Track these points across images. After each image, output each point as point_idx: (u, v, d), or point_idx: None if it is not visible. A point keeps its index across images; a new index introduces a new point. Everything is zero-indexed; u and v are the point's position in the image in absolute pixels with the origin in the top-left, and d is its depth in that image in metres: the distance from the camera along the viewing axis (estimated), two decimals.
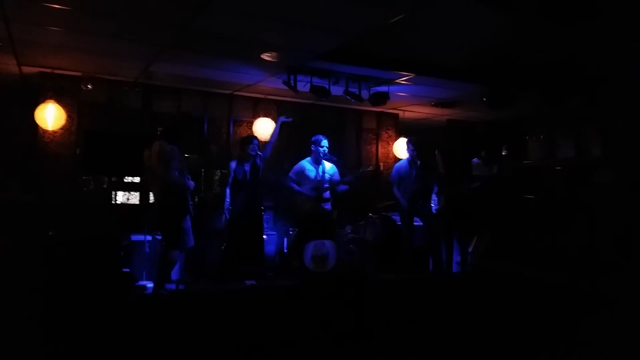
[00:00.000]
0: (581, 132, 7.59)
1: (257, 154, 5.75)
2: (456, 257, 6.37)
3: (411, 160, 6.35)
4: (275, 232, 6.49)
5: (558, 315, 4.56)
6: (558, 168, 7.89)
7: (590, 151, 7.42)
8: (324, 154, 5.96)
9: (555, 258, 6.26)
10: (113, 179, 6.51)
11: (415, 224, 6.44)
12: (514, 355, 3.95)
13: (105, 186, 6.63)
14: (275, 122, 6.87)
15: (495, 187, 6.93)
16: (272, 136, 6.01)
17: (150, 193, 6.35)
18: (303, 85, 5.97)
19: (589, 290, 4.97)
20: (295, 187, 5.95)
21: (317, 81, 6.03)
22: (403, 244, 6.34)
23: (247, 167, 5.71)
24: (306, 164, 6.04)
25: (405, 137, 6.99)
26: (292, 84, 5.89)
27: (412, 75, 6.04)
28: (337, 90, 6.18)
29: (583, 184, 6.93)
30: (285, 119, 6.00)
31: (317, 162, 6.03)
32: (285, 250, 6.39)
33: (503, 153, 8.43)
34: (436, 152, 6.48)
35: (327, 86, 6.07)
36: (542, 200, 7.19)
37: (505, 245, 6.87)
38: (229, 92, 7.15)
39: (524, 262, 6.32)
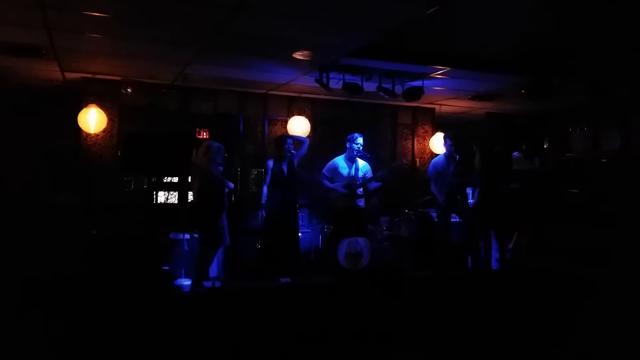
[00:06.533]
0: (627, 122, 7.25)
1: (292, 153, 5.79)
2: (495, 254, 6.21)
3: (449, 156, 6.24)
4: (310, 230, 6.52)
5: (604, 313, 4.37)
6: (603, 160, 7.57)
7: (638, 142, 7.09)
8: (359, 152, 5.94)
9: (600, 254, 6.00)
10: (153, 179, 6.70)
11: (453, 220, 6.32)
12: (555, 355, 3.81)
13: (145, 186, 6.84)
14: (310, 120, 6.98)
15: (537, 181, 6.71)
16: (303, 145, 6.08)
17: (189, 193, 6.50)
18: (335, 83, 5.95)
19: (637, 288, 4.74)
20: (328, 183, 5.95)
21: (349, 78, 5.99)
22: (440, 240, 6.24)
23: (284, 166, 5.76)
24: (340, 161, 6.02)
25: (442, 132, 6.87)
26: (325, 82, 5.88)
27: (447, 69, 5.91)
28: (370, 86, 6.12)
29: (630, 176, 6.64)
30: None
31: (351, 160, 6.00)
32: (320, 247, 6.41)
33: (545, 146, 8.17)
34: (473, 147, 6.34)
35: (359, 83, 6.03)
36: (587, 194, 6.92)
37: (548, 241, 6.65)
38: (263, 91, 7.22)
39: (567, 259, 6.09)
